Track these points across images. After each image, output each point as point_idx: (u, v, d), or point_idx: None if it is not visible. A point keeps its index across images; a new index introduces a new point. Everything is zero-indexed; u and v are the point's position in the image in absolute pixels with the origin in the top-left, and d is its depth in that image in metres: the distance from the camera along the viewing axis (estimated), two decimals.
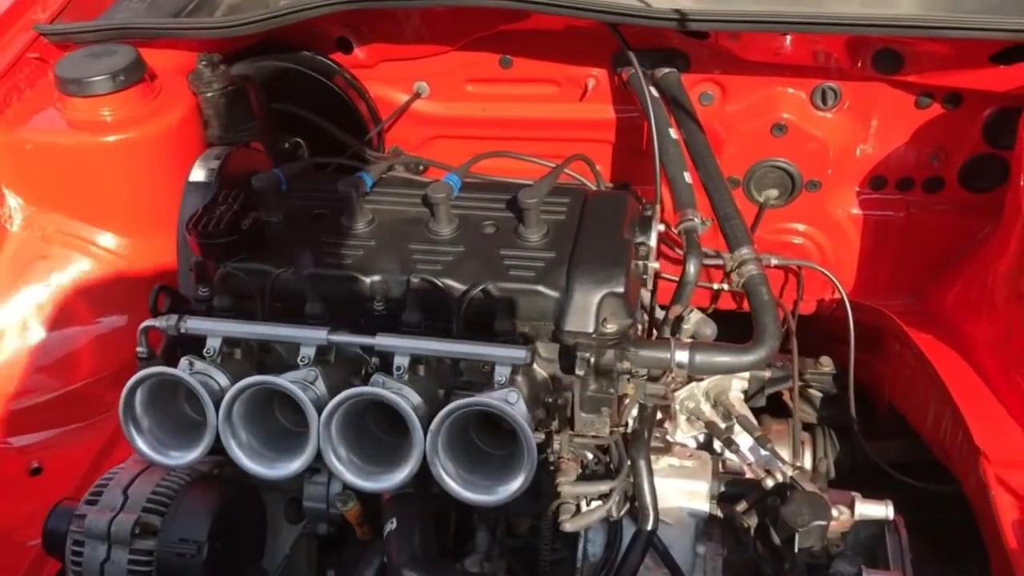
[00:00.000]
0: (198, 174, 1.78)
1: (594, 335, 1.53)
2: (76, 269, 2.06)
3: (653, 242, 1.71)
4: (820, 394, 2.31)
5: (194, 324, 1.54)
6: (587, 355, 1.52)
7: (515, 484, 1.37)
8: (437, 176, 2.12)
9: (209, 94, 2.04)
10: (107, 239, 2.08)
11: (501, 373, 1.45)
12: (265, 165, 1.94)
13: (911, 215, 2.25)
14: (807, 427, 2.26)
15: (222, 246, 1.62)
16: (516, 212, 1.70)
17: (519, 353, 1.44)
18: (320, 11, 1.98)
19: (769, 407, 2.29)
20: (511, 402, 1.39)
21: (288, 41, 2.26)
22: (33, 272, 2.02)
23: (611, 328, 1.54)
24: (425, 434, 1.39)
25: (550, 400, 1.52)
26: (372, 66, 2.31)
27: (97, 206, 2.06)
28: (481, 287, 1.51)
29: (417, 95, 2.34)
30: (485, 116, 2.35)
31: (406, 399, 1.41)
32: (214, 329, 1.53)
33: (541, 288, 1.56)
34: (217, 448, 1.47)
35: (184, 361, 1.51)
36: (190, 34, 2.09)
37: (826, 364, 2.29)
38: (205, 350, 1.53)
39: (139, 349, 1.59)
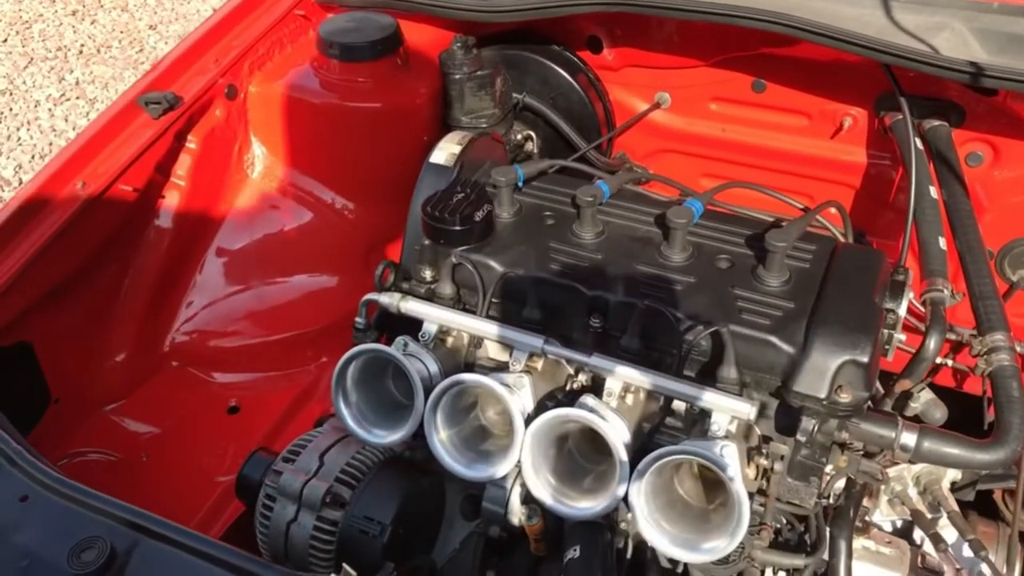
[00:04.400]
0: (439, 156, 1.78)
1: (825, 401, 1.42)
2: (302, 224, 2.13)
3: (903, 311, 1.56)
4: None
5: (415, 307, 1.54)
6: (813, 421, 1.41)
7: (721, 544, 1.27)
8: (658, 191, 2.05)
9: (458, 76, 2.04)
10: (336, 200, 2.14)
11: (718, 423, 1.36)
12: (502, 156, 1.92)
13: None
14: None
15: (454, 233, 1.61)
16: (756, 250, 1.60)
17: (744, 407, 1.35)
18: (584, 9, 1.94)
19: (976, 504, 2.08)
20: (727, 458, 1.30)
21: (540, 32, 2.24)
22: (263, 219, 2.11)
23: (845, 398, 1.41)
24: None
25: (761, 460, 1.42)
26: (617, 69, 2.25)
27: (333, 167, 2.12)
28: (713, 328, 1.42)
29: (657, 105, 2.27)
30: (724, 137, 2.25)
31: (614, 430, 1.35)
32: (434, 315, 1.53)
33: (775, 340, 1.46)
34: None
35: (400, 341, 1.51)
36: (449, 13, 2.10)
37: None
38: (421, 334, 1.53)
39: (358, 320, 1.60)
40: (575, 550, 1.44)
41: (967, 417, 1.97)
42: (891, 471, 1.86)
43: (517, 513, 1.55)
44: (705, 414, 1.40)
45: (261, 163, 2.12)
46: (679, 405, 1.47)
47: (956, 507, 1.91)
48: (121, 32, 5.95)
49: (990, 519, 2.01)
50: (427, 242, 1.66)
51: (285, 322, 2.10)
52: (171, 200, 1.96)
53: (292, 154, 2.12)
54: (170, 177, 1.95)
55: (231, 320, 2.07)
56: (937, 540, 1.76)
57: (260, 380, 2.08)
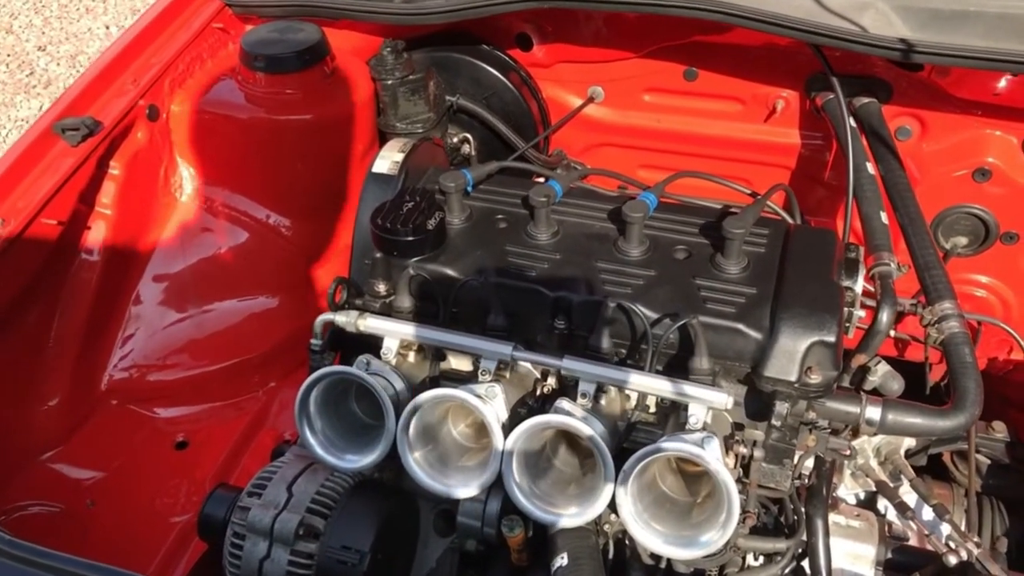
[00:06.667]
0: (381, 165, 1.72)
1: (796, 384, 1.42)
2: (238, 245, 2.04)
3: (859, 288, 1.58)
4: (988, 461, 2.14)
5: (375, 324, 1.48)
6: (786, 404, 1.41)
7: (714, 538, 1.27)
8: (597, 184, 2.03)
9: (390, 81, 1.99)
10: (271, 217, 2.06)
11: (696, 416, 1.35)
12: (444, 161, 1.88)
13: None
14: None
15: (407, 244, 1.56)
16: (712, 239, 1.60)
17: (721, 397, 1.34)
18: (513, 7, 1.90)
19: (926, 468, 2.14)
20: (709, 449, 1.29)
21: (469, 33, 2.20)
22: (197, 244, 2.01)
23: (815, 379, 1.42)
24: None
25: (739, 448, 1.41)
26: (549, 66, 2.23)
27: (266, 183, 2.04)
28: (683, 321, 1.41)
29: (591, 99, 2.26)
30: (659, 128, 2.25)
31: (597, 432, 1.33)
32: (396, 331, 1.47)
33: (742, 327, 1.46)
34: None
35: (361, 360, 1.45)
36: (375, 18, 2.04)
37: (999, 430, 2.11)
38: (383, 351, 1.48)
39: (313, 342, 1.54)
40: (563, 558, 1.41)
41: (909, 383, 2.01)
42: (853, 444, 1.89)
43: (494, 524, 1.52)
44: (678, 407, 1.39)
45: (190, 185, 2.02)
46: (651, 400, 1.46)
47: (915, 474, 1.96)
48: (8, 55, 5.65)
49: (942, 481, 2.07)
50: (379, 255, 1.61)
51: (228, 349, 2.01)
52: (98, 231, 1.85)
53: (222, 173, 2.03)
54: (95, 207, 1.84)
55: (171, 352, 1.97)
56: (903, 508, 1.79)
57: (207, 412, 1.98)
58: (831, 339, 1.42)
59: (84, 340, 1.85)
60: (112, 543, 1.72)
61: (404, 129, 2.03)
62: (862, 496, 1.95)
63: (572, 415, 1.35)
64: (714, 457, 1.26)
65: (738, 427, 1.49)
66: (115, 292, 1.90)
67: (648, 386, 1.38)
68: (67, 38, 5.83)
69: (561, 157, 2.33)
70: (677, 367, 1.46)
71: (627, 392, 1.46)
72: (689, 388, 1.35)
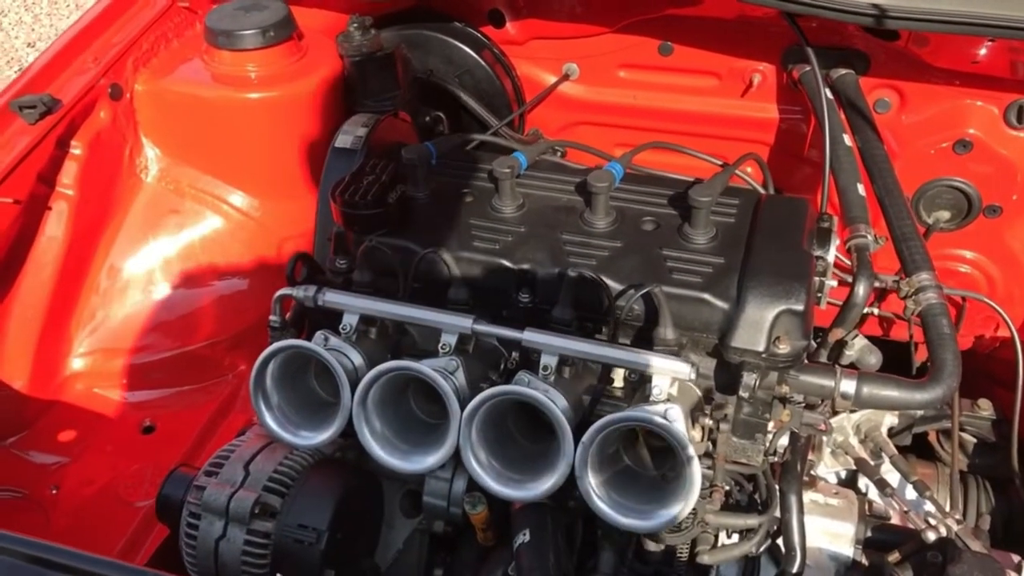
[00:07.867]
0: (344, 140, 1.69)
1: (764, 354, 1.38)
2: (205, 226, 2.01)
3: (831, 257, 1.54)
4: (974, 440, 2.10)
5: (333, 298, 1.45)
6: (754, 375, 1.38)
7: (675, 510, 1.23)
8: (578, 161, 2.00)
9: (357, 58, 1.95)
10: (239, 198, 2.03)
11: (659, 387, 1.31)
12: (411, 137, 1.84)
13: None
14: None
15: (367, 218, 1.53)
16: (680, 210, 1.57)
17: (682, 367, 1.30)
18: None
19: (912, 447, 2.10)
20: (671, 420, 1.26)
21: (439, 10, 2.16)
22: (164, 225, 1.98)
23: (784, 349, 1.38)
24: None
25: (706, 420, 1.38)
26: (522, 43, 2.19)
27: (232, 163, 2.01)
28: (645, 289, 1.38)
29: (566, 77, 2.22)
30: (635, 105, 2.21)
31: (555, 404, 1.29)
32: (354, 305, 1.44)
33: (708, 297, 1.42)
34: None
35: (319, 336, 1.42)
36: None
37: (985, 407, 2.08)
38: (341, 326, 1.44)
39: (272, 318, 1.50)
40: (525, 534, 1.38)
41: (894, 364, 1.98)
42: (832, 421, 1.85)
43: (460, 504, 1.48)
44: (645, 379, 1.35)
45: (156, 165, 1.99)
46: (618, 373, 1.43)
47: (896, 451, 1.92)
48: None
49: (927, 460, 2.03)
50: (340, 229, 1.58)
51: (196, 332, 1.98)
52: (59, 211, 1.82)
53: (188, 153, 2.00)
54: (55, 187, 1.81)
55: (137, 335, 1.93)
56: (883, 485, 1.75)
57: (174, 396, 1.95)
58: (799, 308, 1.39)
59: (47, 324, 1.82)
60: (75, 529, 1.70)
61: (373, 106, 1.99)
62: (843, 475, 1.91)
63: (533, 387, 1.32)
64: (674, 426, 1.23)
65: (708, 400, 1.45)
66: (78, 274, 1.87)
67: (608, 357, 1.34)
68: (56, 34, 5.81)
69: (537, 136, 2.29)
70: (644, 339, 1.43)
71: (591, 365, 1.43)
72: (649, 358, 1.31)
